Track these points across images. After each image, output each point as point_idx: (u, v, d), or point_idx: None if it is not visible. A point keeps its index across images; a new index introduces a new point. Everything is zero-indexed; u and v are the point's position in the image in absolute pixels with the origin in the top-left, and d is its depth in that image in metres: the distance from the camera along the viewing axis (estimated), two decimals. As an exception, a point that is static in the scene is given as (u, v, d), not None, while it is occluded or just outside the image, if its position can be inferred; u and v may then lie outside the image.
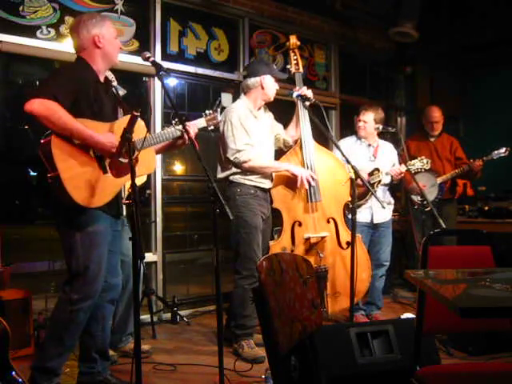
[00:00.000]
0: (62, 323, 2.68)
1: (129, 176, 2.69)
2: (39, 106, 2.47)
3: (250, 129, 3.67)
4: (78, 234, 2.65)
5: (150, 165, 2.91)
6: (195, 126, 2.97)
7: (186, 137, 2.83)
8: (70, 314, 2.65)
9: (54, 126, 2.50)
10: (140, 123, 2.78)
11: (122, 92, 3.34)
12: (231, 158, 3.65)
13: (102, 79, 2.81)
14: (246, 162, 3.63)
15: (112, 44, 2.79)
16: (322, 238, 3.90)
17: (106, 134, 2.63)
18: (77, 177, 2.55)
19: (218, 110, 3.03)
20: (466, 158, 5.05)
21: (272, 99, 3.84)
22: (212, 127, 3.02)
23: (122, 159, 2.71)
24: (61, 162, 2.52)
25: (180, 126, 2.85)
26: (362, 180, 3.70)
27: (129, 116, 2.74)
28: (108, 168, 2.68)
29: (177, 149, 3.09)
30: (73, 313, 2.65)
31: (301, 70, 4.12)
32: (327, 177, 3.99)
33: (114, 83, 3.30)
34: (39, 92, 2.53)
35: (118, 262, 3.00)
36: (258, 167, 3.70)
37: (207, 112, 3.01)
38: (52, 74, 2.84)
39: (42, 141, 2.58)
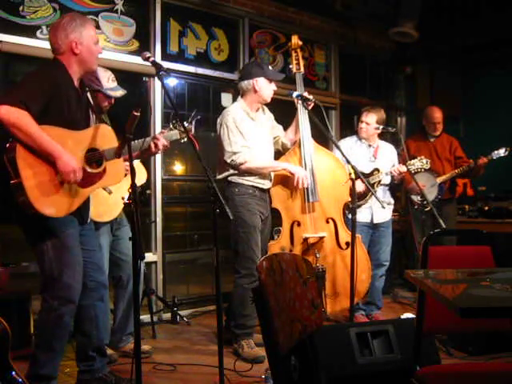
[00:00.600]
0: (48, 330, 2.65)
1: (94, 186, 2.68)
2: (7, 112, 2.39)
3: (245, 131, 3.67)
4: (48, 238, 2.58)
5: (117, 175, 2.81)
6: (166, 138, 2.95)
7: (153, 150, 2.90)
8: (54, 320, 2.62)
9: (20, 135, 2.42)
10: (108, 132, 2.73)
11: (122, 92, 3.32)
12: (228, 161, 3.66)
13: (76, 84, 2.72)
14: (242, 164, 3.64)
15: (90, 51, 2.68)
16: (321, 238, 3.90)
17: (69, 156, 2.51)
18: (40, 185, 2.47)
19: (193, 122, 3.03)
20: (466, 157, 5.05)
21: (268, 100, 3.82)
22: (185, 139, 2.97)
23: (88, 169, 2.64)
24: (24, 169, 2.43)
25: (150, 138, 2.92)
26: (362, 180, 3.70)
27: (97, 126, 2.74)
28: None
29: (145, 157, 3.27)
30: (57, 319, 2.62)
31: (302, 70, 4.12)
32: (327, 177, 3.99)
33: (114, 83, 3.28)
34: (8, 97, 2.44)
35: (102, 259, 2.99)
36: (255, 168, 3.70)
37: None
38: (25, 76, 2.71)
39: (7, 145, 2.48)
